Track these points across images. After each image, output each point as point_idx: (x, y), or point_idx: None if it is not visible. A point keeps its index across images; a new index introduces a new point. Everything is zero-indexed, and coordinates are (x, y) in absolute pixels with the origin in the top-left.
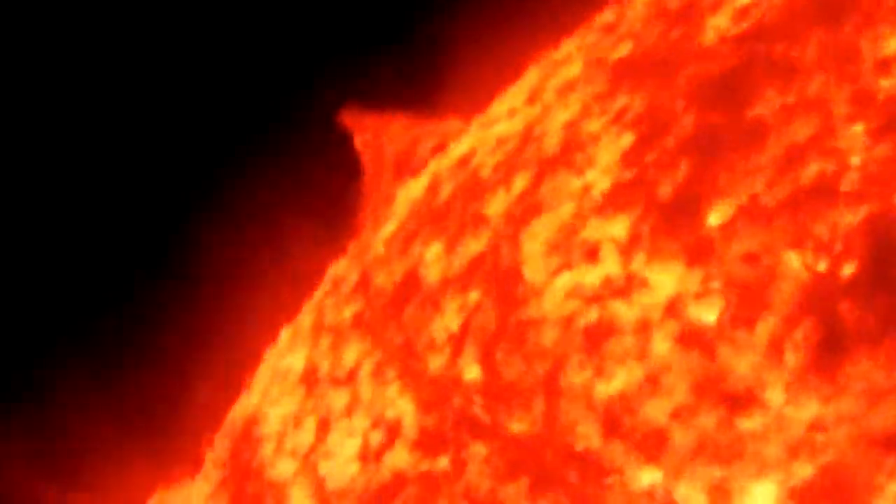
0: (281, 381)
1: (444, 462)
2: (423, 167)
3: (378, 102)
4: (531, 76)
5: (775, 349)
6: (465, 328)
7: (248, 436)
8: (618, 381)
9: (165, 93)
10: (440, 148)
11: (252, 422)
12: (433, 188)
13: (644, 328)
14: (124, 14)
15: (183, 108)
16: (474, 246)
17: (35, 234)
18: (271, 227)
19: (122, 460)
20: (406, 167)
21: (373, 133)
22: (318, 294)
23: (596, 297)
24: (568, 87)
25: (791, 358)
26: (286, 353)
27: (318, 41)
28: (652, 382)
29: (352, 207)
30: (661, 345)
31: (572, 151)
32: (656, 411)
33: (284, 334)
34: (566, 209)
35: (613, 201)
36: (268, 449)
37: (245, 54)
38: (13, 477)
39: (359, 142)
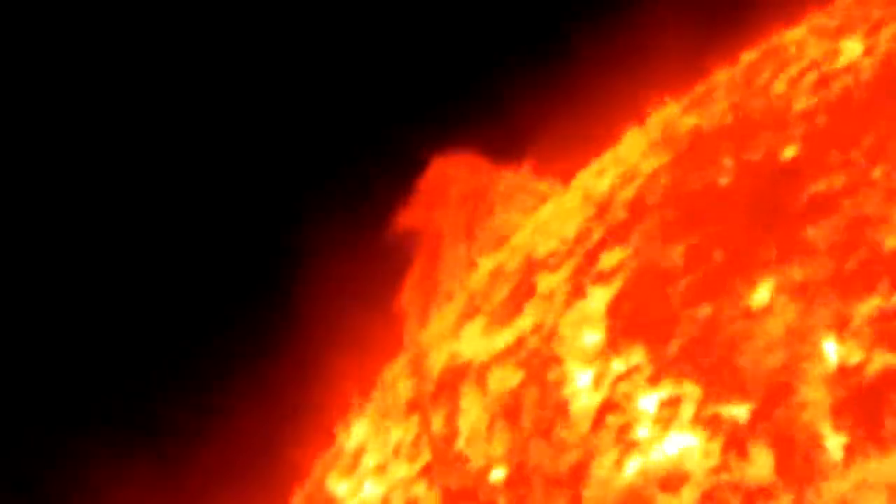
0: (335, 465)
1: None
2: (507, 238)
3: (467, 161)
4: (615, 149)
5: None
6: (500, 413)
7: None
8: (638, 476)
9: (265, 128)
10: (523, 212)
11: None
12: (500, 266)
13: (667, 422)
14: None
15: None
16: (521, 324)
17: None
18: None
19: None
20: (493, 238)
21: (459, 193)
22: (390, 369)
23: (625, 390)
24: (635, 164)
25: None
26: (346, 434)
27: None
28: (674, 476)
29: (431, 270)
30: (683, 440)
31: (625, 233)
32: None
33: (353, 413)
34: (610, 292)
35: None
36: None
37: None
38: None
39: (443, 201)
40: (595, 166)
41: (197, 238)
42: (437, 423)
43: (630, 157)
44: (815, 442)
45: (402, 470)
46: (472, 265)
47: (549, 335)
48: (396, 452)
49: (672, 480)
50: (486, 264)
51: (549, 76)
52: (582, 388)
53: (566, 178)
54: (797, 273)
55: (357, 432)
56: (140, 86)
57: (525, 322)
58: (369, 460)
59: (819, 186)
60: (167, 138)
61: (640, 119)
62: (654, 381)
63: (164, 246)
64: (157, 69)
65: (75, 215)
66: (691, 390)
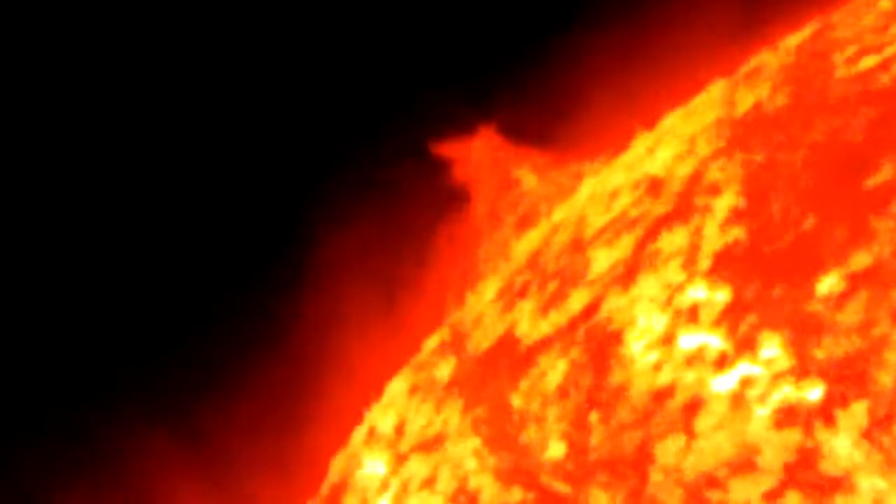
0: (371, 443)
1: None
2: (542, 215)
3: (502, 143)
4: (664, 124)
5: (873, 432)
6: (556, 394)
7: (335, 500)
8: (708, 458)
9: (272, 117)
10: (562, 194)
11: (341, 484)
12: (543, 244)
13: (740, 403)
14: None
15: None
16: (574, 305)
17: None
18: (376, 270)
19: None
20: (527, 214)
21: (493, 174)
22: (423, 349)
23: (692, 368)
24: (691, 141)
25: (888, 442)
26: (381, 412)
27: (442, 70)
28: (744, 461)
29: (463, 252)
30: (757, 422)
31: (682, 210)
32: (746, 492)
33: (384, 389)
34: (670, 272)
35: (719, 266)
36: None
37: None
38: (157, 476)
39: (477, 183)
40: (642, 143)
41: (215, 217)
42: (487, 401)
43: (681, 134)
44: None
45: (449, 449)
46: (507, 245)
47: (607, 314)
48: (440, 431)
49: (745, 464)
50: (527, 243)
51: (581, 52)
52: (645, 368)
53: (602, 156)
54: (865, 259)
55: (391, 412)
56: (153, 68)
57: (578, 301)
58: (409, 439)
59: (885, 174)
60: (176, 123)
61: (680, 98)
62: (723, 363)
63: (188, 224)
64: (167, 50)
65: (87, 205)
66: (762, 372)
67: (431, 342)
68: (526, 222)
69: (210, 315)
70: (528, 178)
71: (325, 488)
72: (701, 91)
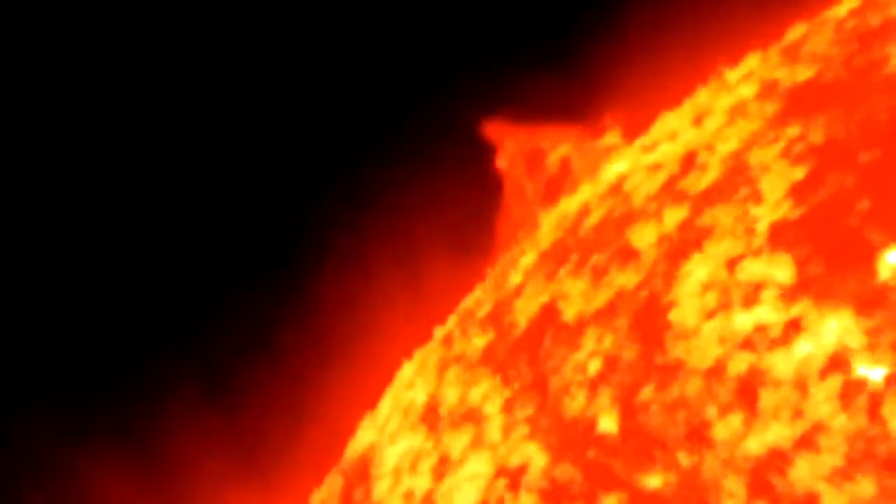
0: (401, 416)
1: None
2: (574, 188)
3: (530, 114)
4: (700, 96)
5: None
6: (604, 370)
7: (362, 473)
8: (769, 438)
9: (295, 94)
10: (594, 168)
11: (368, 458)
12: (581, 215)
13: (802, 382)
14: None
15: (313, 112)
16: (620, 281)
17: (151, 253)
18: (402, 245)
19: (227, 487)
20: (556, 187)
21: (521, 147)
22: (450, 323)
23: (751, 345)
24: (737, 112)
25: None
26: (409, 386)
27: (468, 43)
28: (807, 441)
29: (491, 228)
30: (820, 401)
31: (736, 183)
32: (809, 473)
33: (409, 364)
34: (725, 246)
35: (778, 240)
36: (382, 490)
37: (388, 55)
38: (114, 494)
39: (504, 156)
40: (680, 116)
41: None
42: (528, 375)
43: (723, 107)
44: None
45: (488, 425)
46: (538, 218)
47: (658, 288)
48: (477, 406)
49: (808, 444)
50: (561, 216)
51: (612, 28)
52: (701, 345)
53: (633, 132)
54: None
55: (421, 385)
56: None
57: (626, 275)
58: (443, 414)
59: None
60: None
61: (713, 72)
62: (783, 340)
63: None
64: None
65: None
66: (824, 350)
67: (461, 315)
68: (557, 195)
69: (242, 294)
70: (558, 152)
71: (347, 464)
72: (735, 65)
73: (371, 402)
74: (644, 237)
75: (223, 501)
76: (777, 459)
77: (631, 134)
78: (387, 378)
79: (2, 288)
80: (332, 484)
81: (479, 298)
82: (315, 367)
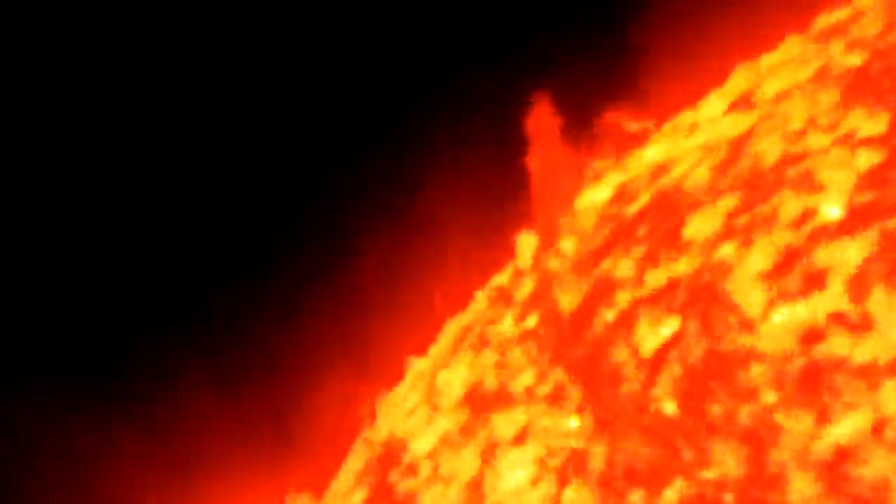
0: (436, 399)
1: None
2: (604, 174)
3: (561, 95)
4: (739, 80)
5: None
6: (661, 356)
7: (394, 457)
8: (839, 431)
9: (295, 95)
10: (624, 151)
11: (400, 442)
12: (621, 197)
13: (873, 373)
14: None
15: (331, 96)
16: (674, 266)
17: (154, 241)
18: (426, 225)
19: (238, 469)
20: (585, 170)
21: (551, 130)
22: (480, 304)
23: (819, 335)
24: (787, 96)
25: None
26: (441, 368)
27: (497, 25)
28: (879, 434)
29: (518, 210)
30: (892, 393)
31: (795, 169)
32: (882, 467)
33: (436, 346)
34: (787, 233)
35: (846, 227)
36: (421, 474)
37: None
38: (122, 478)
39: (535, 138)
40: (721, 101)
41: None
42: (580, 358)
43: (769, 92)
44: None
45: (538, 407)
46: (575, 201)
47: (720, 274)
48: (525, 388)
49: (881, 438)
50: (603, 199)
51: (645, 12)
52: (767, 335)
53: (667, 115)
54: None
55: (460, 367)
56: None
57: (684, 260)
58: (484, 396)
59: None
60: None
61: (750, 56)
62: (853, 331)
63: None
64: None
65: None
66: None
67: (494, 299)
68: (595, 178)
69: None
70: (596, 134)
71: (376, 448)
72: (773, 48)
73: (388, 388)
74: (697, 223)
75: (230, 492)
76: (849, 453)
77: (663, 118)
78: (400, 367)
79: (5, 286)
80: (358, 465)
81: (514, 279)
82: (328, 356)
